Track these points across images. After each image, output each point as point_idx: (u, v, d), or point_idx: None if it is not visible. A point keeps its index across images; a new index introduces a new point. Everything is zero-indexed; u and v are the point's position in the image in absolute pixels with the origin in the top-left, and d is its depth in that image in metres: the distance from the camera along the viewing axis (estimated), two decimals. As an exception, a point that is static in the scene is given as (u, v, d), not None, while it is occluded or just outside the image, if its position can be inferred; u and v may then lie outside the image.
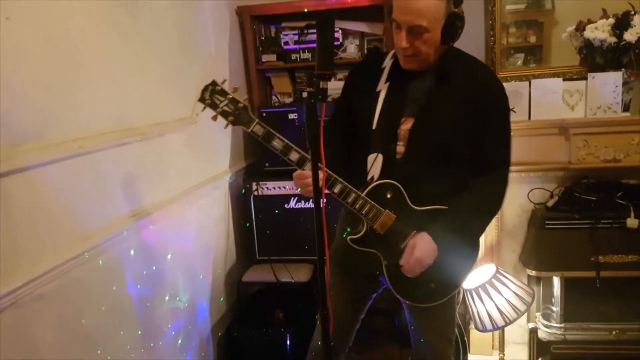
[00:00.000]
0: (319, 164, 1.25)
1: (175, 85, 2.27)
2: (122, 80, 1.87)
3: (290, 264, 2.77)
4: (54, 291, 1.51)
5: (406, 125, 1.53)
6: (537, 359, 2.41)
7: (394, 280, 1.57)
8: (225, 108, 1.48)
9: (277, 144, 1.50)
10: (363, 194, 1.51)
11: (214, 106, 1.48)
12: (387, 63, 1.60)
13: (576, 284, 2.37)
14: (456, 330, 2.45)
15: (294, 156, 1.50)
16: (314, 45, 2.93)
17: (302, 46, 2.97)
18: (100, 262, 1.73)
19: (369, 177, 1.56)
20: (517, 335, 2.69)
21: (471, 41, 2.60)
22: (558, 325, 2.39)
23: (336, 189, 1.51)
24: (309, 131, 1.28)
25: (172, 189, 2.22)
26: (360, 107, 1.61)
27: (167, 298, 2.18)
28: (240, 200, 2.91)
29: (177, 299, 2.27)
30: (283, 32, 3.00)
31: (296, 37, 2.98)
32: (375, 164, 1.54)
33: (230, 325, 2.67)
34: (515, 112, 2.42)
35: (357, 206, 1.51)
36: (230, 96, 1.49)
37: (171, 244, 2.22)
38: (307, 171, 1.49)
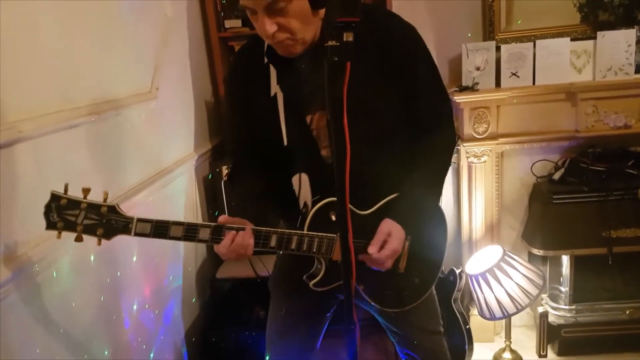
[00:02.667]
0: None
1: (129, 54, 1.90)
2: (66, 49, 1.50)
3: (268, 256, 2.47)
4: (7, 310, 1.19)
5: (320, 121, 1.25)
6: (547, 345, 2.24)
7: (377, 298, 1.33)
8: (87, 221, 1.13)
9: (176, 231, 1.15)
10: (305, 231, 1.21)
11: (70, 227, 1.12)
12: (266, 55, 1.27)
13: (586, 262, 2.22)
14: (460, 317, 2.27)
15: (204, 234, 1.15)
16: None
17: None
18: (55, 274, 1.40)
19: (301, 206, 1.27)
20: (516, 317, 2.52)
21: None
22: (568, 307, 2.24)
23: (272, 242, 1.20)
24: (330, 97, 0.96)
25: (132, 178, 1.88)
26: (261, 124, 1.30)
27: (135, 307, 1.85)
28: (209, 187, 2.57)
29: (146, 306, 1.94)
30: (249, -7, 2.63)
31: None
32: (302, 186, 1.26)
33: (207, 328, 2.37)
34: (518, 76, 2.20)
35: (304, 248, 1.21)
36: (85, 204, 1.12)
37: (136, 243, 1.87)
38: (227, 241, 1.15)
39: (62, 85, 1.48)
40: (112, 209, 1.14)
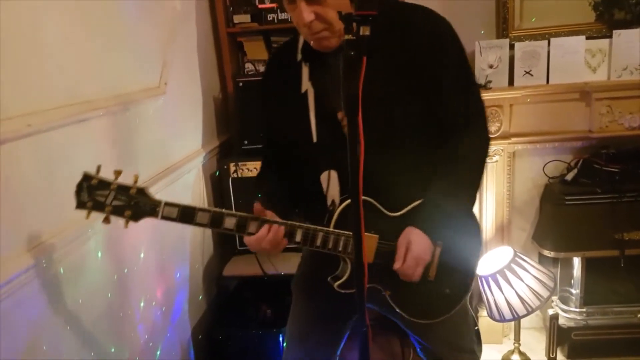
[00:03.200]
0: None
1: (137, 49, 1.88)
2: (75, 43, 1.48)
3: (279, 255, 2.46)
4: (5, 313, 1.16)
5: (342, 121, 1.22)
6: (556, 348, 2.22)
7: (405, 306, 1.28)
8: (116, 202, 1.15)
9: (202, 217, 1.15)
10: (331, 229, 1.18)
11: (99, 207, 1.14)
12: (300, 52, 1.27)
13: (597, 264, 2.19)
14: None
15: (229, 223, 1.15)
16: (295, 3, 2.60)
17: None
18: (62, 270, 1.38)
19: (329, 203, 1.25)
20: (525, 319, 2.50)
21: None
22: (578, 309, 2.21)
23: (297, 237, 1.17)
24: (346, 92, 0.94)
25: (140, 173, 1.83)
26: (290, 122, 1.28)
27: (142, 304, 1.83)
28: (216, 184, 2.55)
29: (154, 303, 1.92)
30: (258, -11, 2.61)
31: (273, -6, 2.60)
32: (331, 183, 1.24)
33: (213, 327, 2.35)
34: (532, 75, 2.16)
35: (329, 246, 1.18)
36: (115, 185, 1.15)
37: (143, 240, 1.86)
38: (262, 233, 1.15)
39: (71, 79, 1.46)
40: (141, 192, 1.16)
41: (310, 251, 1.40)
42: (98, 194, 1.14)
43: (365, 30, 0.92)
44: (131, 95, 1.78)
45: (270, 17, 2.60)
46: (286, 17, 2.60)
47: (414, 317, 1.28)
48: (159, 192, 1.95)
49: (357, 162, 0.98)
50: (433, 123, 1.23)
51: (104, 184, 1.14)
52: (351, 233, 1.16)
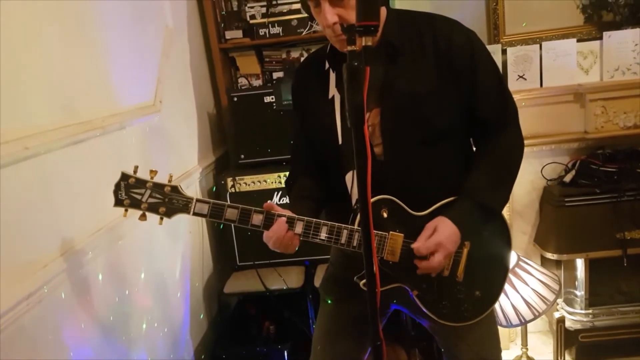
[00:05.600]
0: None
1: (132, 66, 1.86)
2: (71, 63, 1.47)
3: (277, 268, 2.43)
4: (7, 342, 1.13)
5: (374, 119, 1.24)
6: (564, 351, 2.20)
7: (432, 306, 1.27)
8: (151, 200, 1.22)
9: (231, 214, 1.21)
10: (355, 227, 1.20)
11: (136, 204, 1.22)
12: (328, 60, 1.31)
13: (600, 265, 2.18)
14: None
15: (257, 219, 1.20)
16: (285, 17, 2.61)
17: (271, 19, 2.60)
18: (63, 294, 1.35)
19: (353, 202, 1.26)
20: (531, 323, 2.48)
21: (470, 5, 2.34)
22: (584, 311, 2.20)
23: (322, 235, 1.21)
24: (351, 103, 0.93)
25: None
26: (318, 125, 1.32)
27: (144, 326, 1.79)
28: (214, 199, 2.52)
29: (155, 325, 1.88)
30: (248, 5, 2.61)
31: (264, 10, 2.60)
32: (355, 183, 1.25)
33: (216, 346, 2.31)
34: (525, 79, 2.18)
35: (354, 244, 1.20)
36: (151, 183, 1.22)
37: (143, 260, 1.83)
38: (280, 225, 1.20)
39: (67, 99, 1.44)
40: (175, 189, 1.22)
41: (339, 253, 1.43)
42: (135, 192, 1.21)
43: (367, 41, 0.92)
44: (127, 114, 1.76)
45: (262, 32, 2.61)
46: (278, 32, 2.61)
47: (442, 319, 1.27)
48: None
49: (365, 170, 0.96)
50: (463, 124, 1.26)
51: (141, 182, 1.21)
52: (375, 232, 1.18)
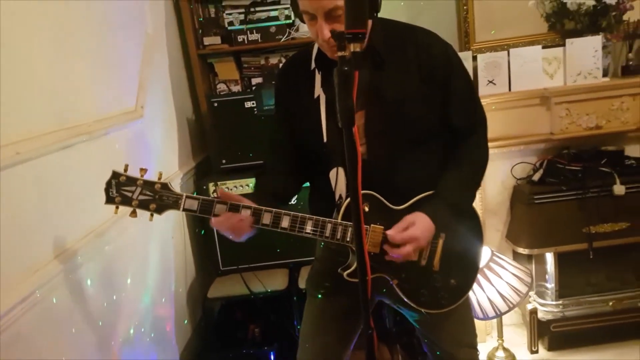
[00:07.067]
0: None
1: (114, 71, 1.88)
2: (59, 70, 1.48)
3: (261, 272, 2.46)
4: (5, 346, 1.13)
5: (358, 120, 1.31)
6: (538, 341, 2.31)
7: (411, 294, 1.35)
8: (142, 197, 1.26)
9: (219, 209, 1.25)
10: (339, 220, 1.28)
11: (127, 201, 1.26)
12: (314, 62, 1.38)
13: (569, 258, 2.30)
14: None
15: (244, 213, 1.25)
16: (264, 23, 2.66)
17: (250, 26, 2.64)
18: (55, 299, 1.35)
19: (336, 197, 1.34)
20: (505, 316, 2.59)
21: (442, 14, 2.45)
22: (554, 302, 2.32)
23: (307, 228, 1.27)
24: (342, 106, 1.00)
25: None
26: (303, 123, 1.39)
27: (131, 331, 1.80)
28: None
29: (142, 329, 1.89)
30: (226, 12, 2.65)
31: (242, 17, 2.65)
32: (338, 179, 1.33)
33: (200, 351, 2.31)
34: (495, 84, 2.30)
35: (337, 236, 1.27)
36: (142, 181, 1.26)
37: (129, 265, 1.84)
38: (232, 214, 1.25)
39: (57, 105, 1.45)
40: (165, 186, 1.26)
41: (324, 248, 1.49)
42: (126, 190, 1.25)
43: (356, 47, 0.99)
44: (110, 120, 1.77)
45: (240, 38, 2.65)
46: (256, 38, 2.66)
47: (421, 307, 1.35)
48: (144, 215, 1.93)
49: (356, 168, 1.03)
50: (441, 127, 1.35)
51: (131, 180, 1.25)
52: (350, 223, 1.26)
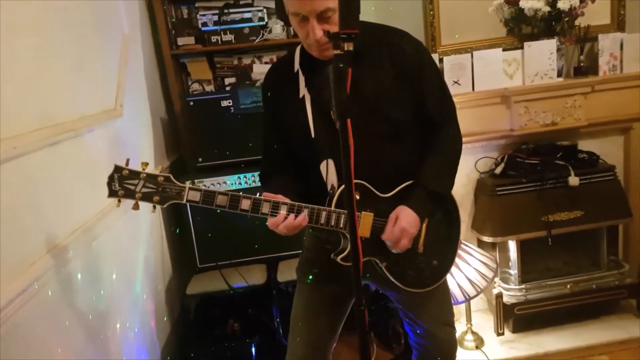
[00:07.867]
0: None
1: (94, 70, 1.90)
2: (43, 70, 1.50)
3: (239, 268, 2.51)
4: (4, 337, 1.15)
5: None
6: (503, 324, 2.47)
7: (398, 275, 1.46)
8: (145, 190, 1.28)
9: (221, 200, 1.30)
10: (333, 208, 1.37)
11: (130, 194, 1.28)
12: (297, 64, 1.47)
13: (530, 245, 2.47)
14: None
15: (245, 204, 1.31)
16: (237, 25, 2.71)
17: (223, 27, 2.69)
18: (50, 292, 1.38)
19: (328, 188, 1.43)
20: (472, 303, 2.74)
21: (410, 19, 2.58)
22: (518, 287, 2.48)
23: (305, 215, 1.35)
24: (337, 98, 1.10)
25: (101, 195, 1.85)
26: (291, 122, 1.47)
27: (117, 326, 1.82)
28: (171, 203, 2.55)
29: (127, 324, 1.91)
30: (200, 13, 2.69)
31: (216, 18, 2.69)
32: (329, 171, 1.42)
33: (182, 346, 2.34)
34: (460, 84, 2.44)
35: (332, 223, 1.37)
36: (144, 174, 1.29)
37: (114, 261, 1.86)
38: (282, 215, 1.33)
39: (42, 103, 1.47)
40: (168, 179, 1.28)
41: (313, 237, 1.57)
42: (128, 183, 1.27)
43: (349, 46, 1.09)
44: (93, 118, 1.79)
45: (214, 39, 2.69)
46: (230, 39, 2.71)
47: (407, 287, 1.46)
48: (125, 212, 1.95)
49: (349, 155, 1.12)
50: (416, 120, 1.45)
51: (134, 174, 1.27)
52: (343, 210, 1.35)
